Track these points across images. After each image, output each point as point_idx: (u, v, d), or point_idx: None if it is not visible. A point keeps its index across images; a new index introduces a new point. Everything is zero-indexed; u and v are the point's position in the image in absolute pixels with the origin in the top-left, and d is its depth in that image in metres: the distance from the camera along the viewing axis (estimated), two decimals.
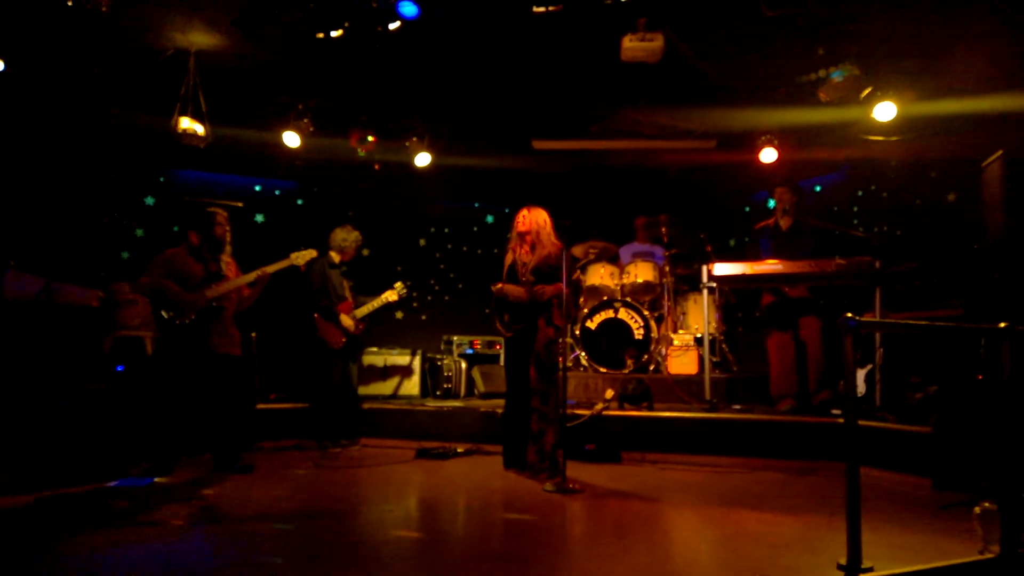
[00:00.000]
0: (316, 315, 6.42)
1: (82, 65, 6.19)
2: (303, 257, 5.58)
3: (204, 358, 5.12)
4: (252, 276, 5.32)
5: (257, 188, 8.88)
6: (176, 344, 5.08)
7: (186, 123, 6.31)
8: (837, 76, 5.91)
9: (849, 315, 2.68)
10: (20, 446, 4.97)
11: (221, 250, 5.35)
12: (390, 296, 6.71)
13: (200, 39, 5.94)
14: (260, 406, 6.66)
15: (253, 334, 6.80)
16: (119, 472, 4.95)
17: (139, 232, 8.02)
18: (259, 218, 8.77)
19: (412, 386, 7.73)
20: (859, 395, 5.66)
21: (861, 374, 5.80)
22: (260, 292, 5.45)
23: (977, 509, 3.06)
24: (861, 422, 4.22)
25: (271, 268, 5.39)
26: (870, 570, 2.58)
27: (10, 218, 6.94)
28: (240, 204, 8.15)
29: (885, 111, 6.23)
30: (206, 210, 5.44)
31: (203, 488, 4.70)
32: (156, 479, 4.89)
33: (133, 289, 5.43)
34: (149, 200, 8.15)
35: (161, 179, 8.27)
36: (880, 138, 6.92)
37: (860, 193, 8.04)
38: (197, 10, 5.50)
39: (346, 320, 6.42)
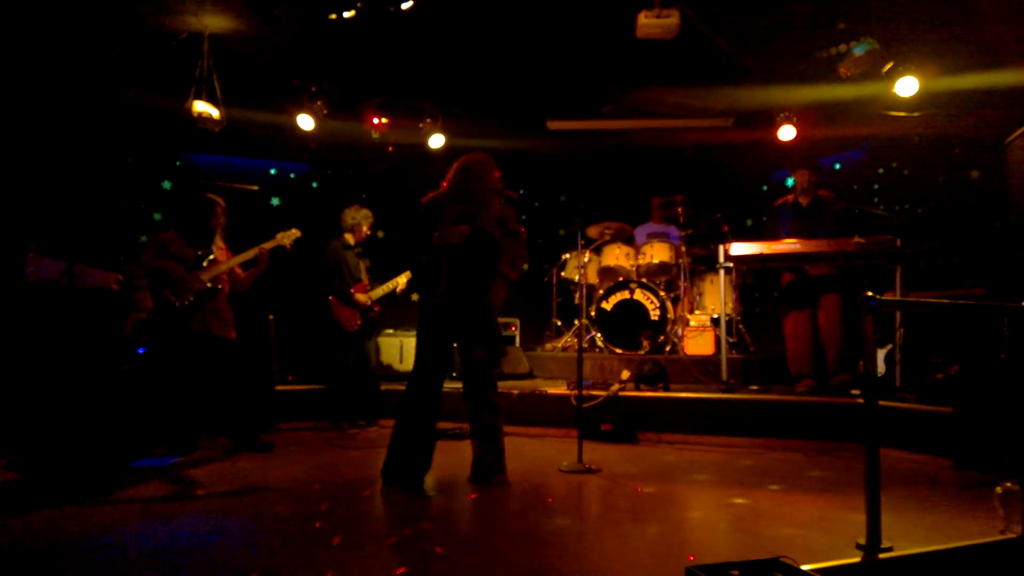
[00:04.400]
0: (331, 297, 6.43)
1: (98, 49, 6.21)
2: (288, 237, 5.56)
3: (201, 340, 5.15)
4: (251, 253, 5.33)
5: (272, 171, 8.89)
6: (173, 326, 5.11)
7: (201, 106, 6.32)
8: (858, 50, 5.81)
9: (870, 294, 2.64)
10: (44, 426, 5.05)
11: (211, 239, 5.35)
12: (403, 278, 6.70)
13: (214, 21, 5.93)
14: (278, 388, 6.70)
15: (271, 316, 6.83)
16: (141, 452, 5.01)
17: (156, 216, 8.06)
18: (275, 201, 8.79)
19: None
20: (879, 375, 5.60)
21: (881, 354, 5.74)
22: (258, 275, 5.45)
23: (999, 489, 3.02)
24: (881, 402, 4.17)
25: (267, 246, 5.39)
26: (890, 550, 2.55)
27: (31, 203, 7.00)
28: (256, 187, 8.18)
29: (907, 86, 6.11)
30: (204, 196, 5.44)
31: (222, 467, 4.75)
32: (175, 459, 4.94)
33: (136, 271, 5.46)
34: (166, 184, 8.18)
35: (177, 163, 8.30)
36: (902, 114, 6.79)
37: (881, 171, 7.92)
38: None
39: (362, 299, 6.42)
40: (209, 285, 5.19)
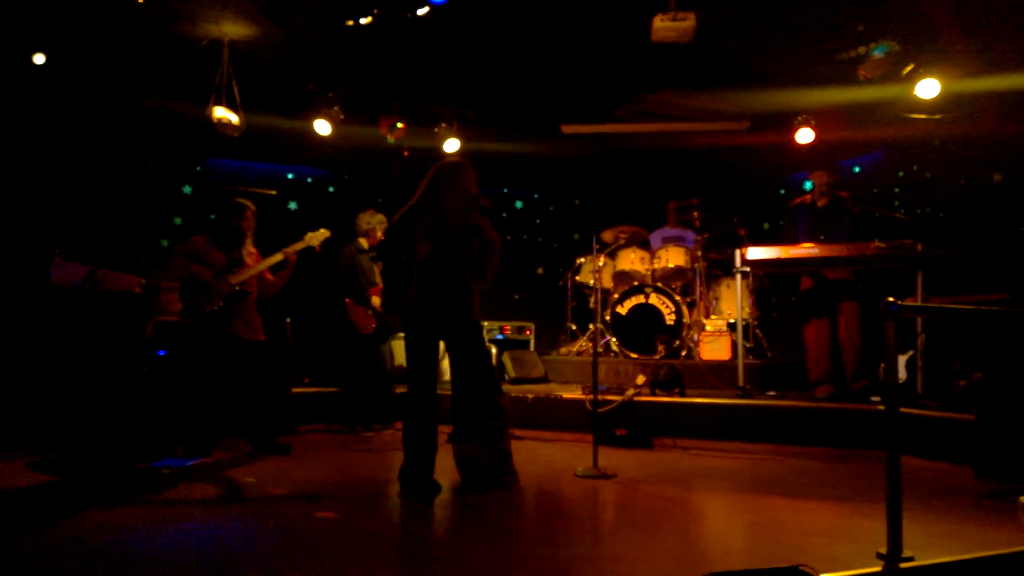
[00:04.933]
0: (347, 300, 6.45)
1: (120, 56, 6.29)
2: (317, 237, 5.55)
3: (231, 344, 5.18)
4: (278, 257, 5.34)
5: (290, 176, 8.95)
6: (204, 331, 5.14)
7: (220, 112, 6.40)
8: (878, 53, 5.76)
9: (890, 299, 2.61)
10: (66, 427, 5.10)
11: (242, 243, 5.36)
12: None
13: (233, 29, 6.00)
14: (294, 390, 6.73)
15: (288, 319, 6.85)
16: (160, 453, 5.04)
17: (177, 220, 8.13)
18: (292, 205, 8.84)
19: (444, 371, 7.72)
20: (900, 382, 5.54)
21: (902, 360, 5.67)
22: (287, 278, 5.46)
23: (1021, 498, 2.97)
24: (902, 409, 4.12)
25: (291, 248, 5.39)
26: (911, 559, 2.51)
27: (55, 208, 7.10)
28: (274, 192, 8.22)
29: (928, 88, 6.04)
30: (235, 200, 5.46)
31: (240, 470, 4.76)
32: (195, 460, 4.97)
33: (165, 276, 5.49)
34: (187, 189, 8.25)
35: (198, 168, 8.37)
36: (923, 116, 6.71)
37: (901, 174, 7.84)
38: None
39: (377, 303, 6.43)
40: (238, 289, 5.21)
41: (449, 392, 4.43)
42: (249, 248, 5.43)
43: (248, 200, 5.51)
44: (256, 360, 5.30)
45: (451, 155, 4.05)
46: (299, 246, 5.44)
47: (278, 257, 5.35)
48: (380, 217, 6.63)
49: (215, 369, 5.17)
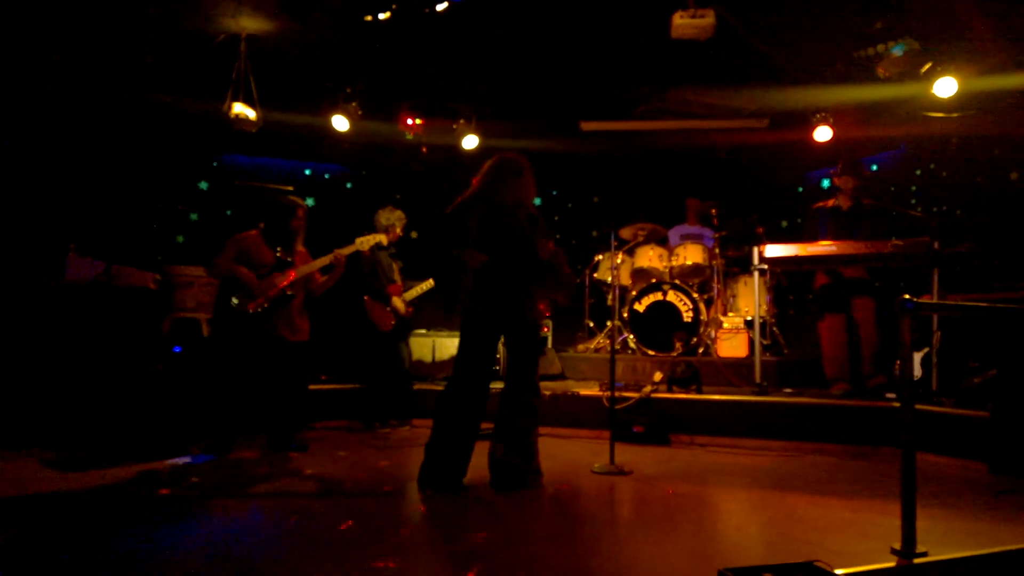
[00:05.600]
0: (366, 297, 6.49)
1: (135, 52, 6.32)
2: (368, 242, 5.57)
3: (274, 345, 5.18)
4: (327, 259, 5.31)
5: (307, 172, 9.01)
6: (241, 330, 5.11)
7: (238, 108, 6.42)
8: (896, 51, 5.73)
9: (907, 296, 2.62)
10: (83, 424, 5.15)
11: (294, 242, 5.35)
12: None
13: (250, 24, 6.01)
14: (312, 387, 6.77)
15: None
16: (179, 450, 5.08)
17: (193, 216, 8.21)
18: (310, 202, 8.89)
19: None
20: (916, 379, 5.53)
21: (917, 357, 5.66)
22: (336, 279, 5.42)
23: None
24: (917, 406, 4.13)
25: (344, 251, 5.37)
26: (925, 555, 2.53)
27: (71, 204, 7.17)
28: (291, 188, 8.27)
29: (946, 87, 6.03)
30: (287, 198, 5.44)
31: (259, 467, 4.81)
32: (214, 457, 5.02)
33: (209, 273, 5.48)
34: (203, 185, 8.32)
35: (214, 164, 8.43)
36: (940, 114, 6.69)
37: (918, 172, 7.81)
38: None
39: (397, 302, 6.47)
40: (288, 292, 5.20)
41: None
42: (298, 247, 5.41)
43: (299, 199, 5.50)
44: (298, 361, 5.32)
45: (510, 152, 4.03)
46: (349, 249, 5.44)
47: (327, 259, 5.33)
48: (399, 214, 6.66)
49: (255, 369, 5.17)
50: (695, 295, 7.16)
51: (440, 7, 5.45)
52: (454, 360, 4.33)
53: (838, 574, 2.23)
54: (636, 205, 8.90)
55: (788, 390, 6.29)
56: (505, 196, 4.23)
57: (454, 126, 7.80)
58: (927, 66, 5.94)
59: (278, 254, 5.27)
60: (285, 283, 5.19)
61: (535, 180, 4.35)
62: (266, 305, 5.13)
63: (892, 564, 2.52)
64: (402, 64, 6.84)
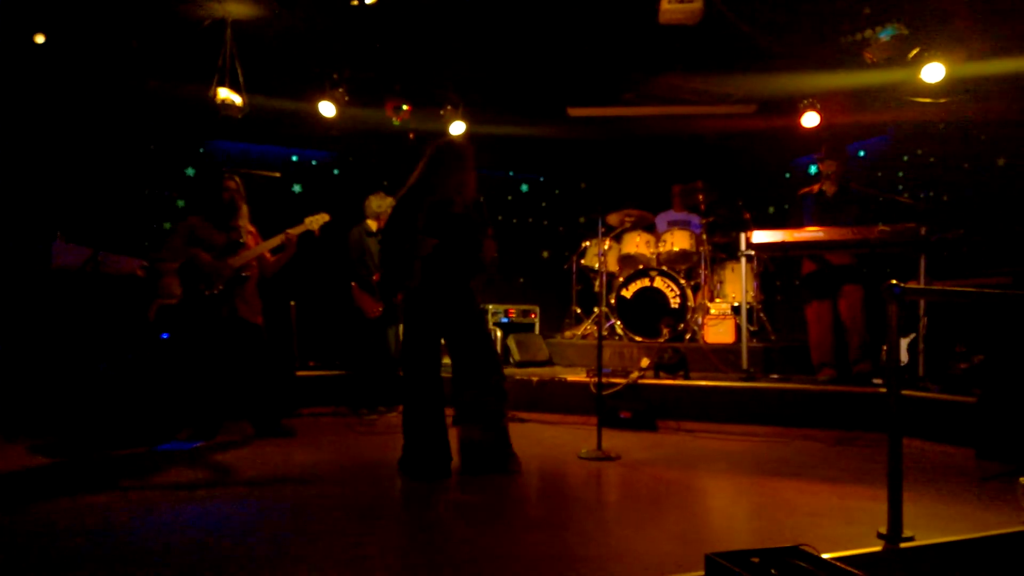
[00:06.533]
0: (353, 283, 6.47)
1: (121, 36, 6.25)
2: (317, 221, 5.55)
3: (233, 325, 5.19)
4: (278, 239, 5.35)
5: (294, 158, 8.94)
6: (204, 313, 5.14)
7: (224, 93, 6.36)
8: (884, 36, 5.73)
9: (893, 281, 2.62)
10: (69, 410, 5.12)
11: (233, 216, 5.32)
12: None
13: (236, 8, 5.96)
14: (299, 373, 6.76)
15: (292, 302, 6.88)
16: (165, 436, 5.07)
17: (180, 203, 8.14)
18: (296, 188, 8.84)
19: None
20: (902, 364, 5.57)
21: (904, 343, 5.69)
22: (286, 260, 5.47)
23: (1021, 479, 3.00)
24: (904, 391, 4.15)
25: (294, 231, 5.40)
26: (911, 539, 2.55)
27: (57, 191, 7.10)
28: (278, 174, 8.22)
29: (933, 72, 6.02)
30: (218, 175, 5.43)
31: (244, 452, 4.80)
32: (199, 443, 5.01)
33: (166, 259, 5.49)
34: (190, 171, 8.25)
35: (201, 150, 8.36)
36: (928, 100, 6.69)
37: (906, 158, 7.82)
38: None
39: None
40: (242, 274, 5.22)
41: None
42: (248, 227, 5.41)
43: (237, 176, 5.48)
44: (255, 341, 5.32)
45: (449, 136, 3.96)
46: (299, 229, 5.45)
47: (279, 239, 5.36)
48: (390, 200, 6.63)
49: (214, 351, 5.18)
50: (682, 281, 7.17)
51: None
52: (402, 349, 4.30)
53: (825, 558, 2.24)
54: (623, 191, 8.90)
55: (775, 376, 6.32)
56: (448, 182, 4.22)
57: (441, 112, 7.75)
58: (914, 51, 5.94)
59: (231, 236, 5.26)
60: (238, 264, 5.20)
61: (476, 164, 4.32)
62: (222, 287, 5.13)
63: (879, 548, 2.54)
64: (389, 50, 6.78)
